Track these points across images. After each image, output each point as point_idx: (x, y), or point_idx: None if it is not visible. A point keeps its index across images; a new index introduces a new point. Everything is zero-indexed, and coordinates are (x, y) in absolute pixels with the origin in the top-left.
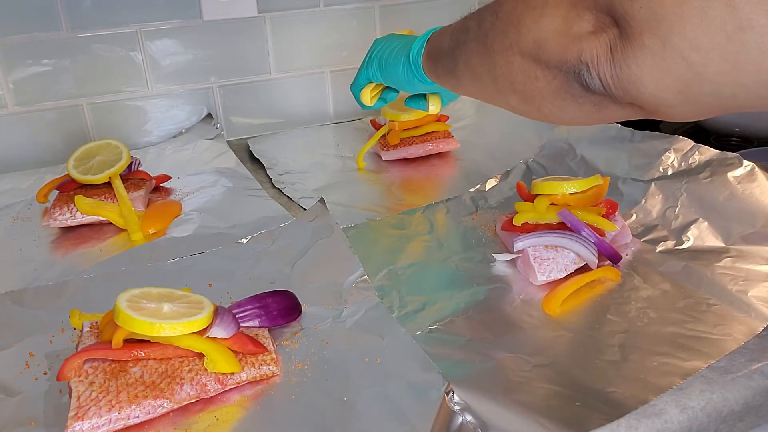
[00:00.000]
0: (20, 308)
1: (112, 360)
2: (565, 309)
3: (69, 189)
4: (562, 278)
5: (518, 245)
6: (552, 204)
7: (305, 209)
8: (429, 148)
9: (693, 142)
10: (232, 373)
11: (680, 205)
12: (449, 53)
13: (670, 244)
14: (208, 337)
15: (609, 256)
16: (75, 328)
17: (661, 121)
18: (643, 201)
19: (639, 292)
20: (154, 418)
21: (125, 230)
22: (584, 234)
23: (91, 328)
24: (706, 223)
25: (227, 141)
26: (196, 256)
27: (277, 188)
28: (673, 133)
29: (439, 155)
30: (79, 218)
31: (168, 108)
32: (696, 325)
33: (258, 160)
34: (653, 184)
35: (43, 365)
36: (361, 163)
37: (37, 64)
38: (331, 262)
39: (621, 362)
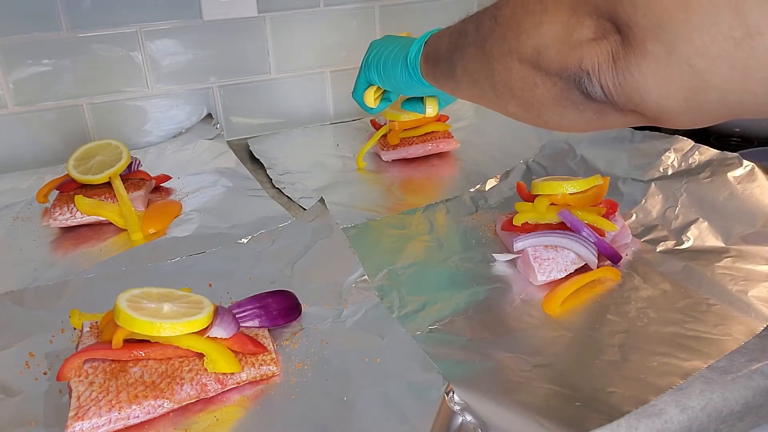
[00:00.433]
0: (20, 308)
1: (112, 360)
2: (565, 309)
3: (69, 189)
4: (562, 278)
5: (518, 245)
6: (552, 204)
7: (305, 209)
8: (429, 148)
9: (693, 142)
10: (232, 373)
11: (680, 205)
12: (447, 57)
13: (670, 244)
14: (208, 337)
15: (609, 256)
16: (75, 328)
17: None
18: (643, 201)
19: (639, 292)
20: (154, 418)
21: (125, 230)
22: (584, 234)
23: (91, 328)
24: (706, 223)
25: (227, 141)
26: (196, 256)
27: (277, 188)
28: (673, 134)
29: (439, 155)
30: (79, 218)
31: (168, 108)
32: (696, 325)
33: (258, 160)
34: (653, 184)
35: (43, 365)
36: (361, 163)
37: (37, 64)
38: (331, 262)
39: (621, 362)
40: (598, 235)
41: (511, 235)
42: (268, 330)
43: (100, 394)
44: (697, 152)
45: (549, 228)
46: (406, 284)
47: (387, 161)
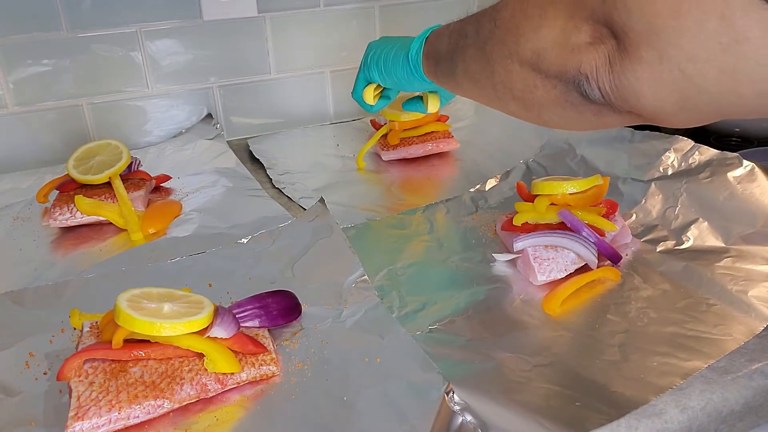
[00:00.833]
0: (20, 308)
1: (112, 360)
2: (565, 309)
3: (69, 189)
4: (562, 278)
5: (518, 245)
6: (552, 204)
7: (305, 209)
8: (429, 148)
9: (693, 142)
10: (232, 373)
11: (680, 205)
12: (448, 57)
13: (670, 244)
14: (208, 337)
15: (609, 256)
16: (75, 328)
17: None
18: (643, 201)
19: (639, 292)
20: (154, 418)
21: (125, 230)
22: (584, 234)
23: (91, 328)
24: (706, 223)
25: (227, 141)
26: (196, 256)
27: (277, 188)
28: (673, 134)
29: (439, 155)
30: (79, 218)
31: (168, 108)
32: (696, 325)
33: (258, 160)
34: (653, 184)
35: (43, 365)
36: (361, 163)
37: (37, 64)
38: (331, 262)
39: (621, 362)
40: (598, 235)
41: (511, 235)
42: (268, 330)
43: (100, 394)
44: (697, 152)
45: (549, 228)
46: (406, 284)
47: (387, 161)
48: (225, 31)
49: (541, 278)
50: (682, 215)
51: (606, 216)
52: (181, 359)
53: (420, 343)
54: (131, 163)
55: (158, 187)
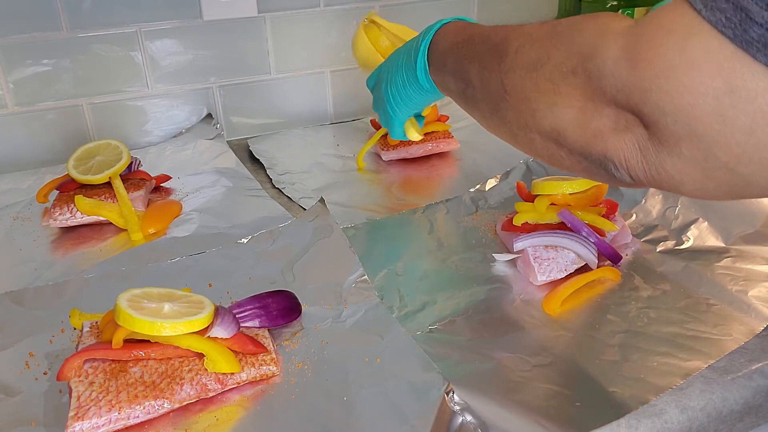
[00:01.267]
0: (20, 308)
1: (112, 360)
2: (565, 309)
3: (69, 189)
4: (562, 278)
5: (518, 245)
6: (552, 204)
7: (305, 209)
8: (429, 148)
9: None
10: (232, 373)
11: (680, 205)
12: (460, 97)
13: (670, 244)
14: (208, 337)
15: (609, 256)
16: (75, 328)
17: None
18: (643, 201)
19: (639, 292)
20: (154, 418)
21: (125, 230)
22: (584, 234)
23: (91, 328)
24: (706, 223)
25: (227, 141)
26: (196, 256)
27: (277, 188)
28: None
29: (439, 155)
30: (79, 218)
31: (168, 108)
32: (696, 325)
33: (258, 160)
34: None
35: (43, 365)
36: (361, 163)
37: (37, 64)
38: (331, 262)
39: (621, 362)
40: (598, 235)
41: (511, 235)
42: (268, 330)
43: (100, 394)
44: None
45: (549, 228)
46: (406, 284)
47: (387, 161)
48: (225, 31)
49: (541, 278)
50: (682, 215)
51: (606, 216)
52: (181, 359)
53: (420, 343)
54: (131, 163)
55: (158, 187)
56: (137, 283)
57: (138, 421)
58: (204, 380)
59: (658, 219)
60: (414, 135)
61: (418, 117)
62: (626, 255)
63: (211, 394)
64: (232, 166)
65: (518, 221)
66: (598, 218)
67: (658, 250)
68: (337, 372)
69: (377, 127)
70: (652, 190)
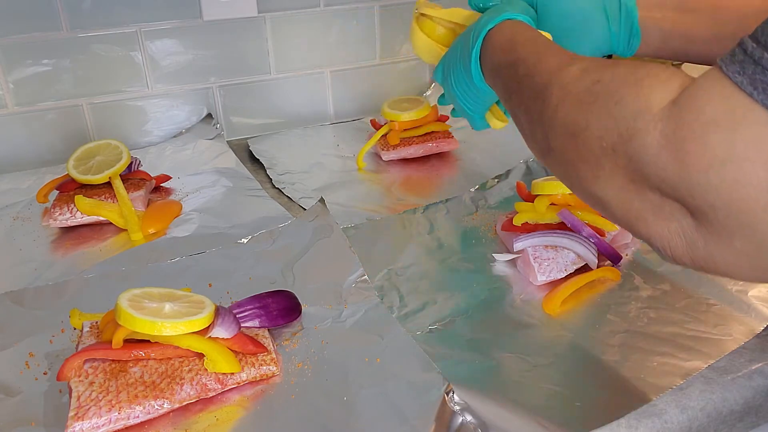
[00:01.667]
0: (20, 308)
1: (112, 360)
2: (565, 309)
3: (69, 189)
4: (562, 278)
5: (518, 245)
6: (552, 204)
7: (305, 209)
8: (429, 147)
9: None
10: (232, 373)
11: None
12: (513, 119)
13: None
14: (209, 337)
15: (609, 256)
16: (75, 328)
17: None
18: None
19: (639, 292)
20: (154, 418)
21: (125, 230)
22: (584, 234)
23: (91, 328)
24: None
25: (227, 141)
26: (196, 256)
27: (277, 188)
28: None
29: (439, 155)
30: (79, 218)
31: (168, 108)
32: (696, 325)
33: (258, 160)
34: None
35: (43, 365)
36: (361, 163)
37: (37, 64)
38: (331, 262)
39: (621, 362)
40: (598, 235)
41: (511, 235)
42: (268, 330)
43: (100, 394)
44: None
45: (549, 228)
46: (406, 284)
47: (387, 161)
48: (225, 31)
49: (541, 278)
50: None
51: None
52: (181, 359)
53: (420, 343)
54: (131, 163)
55: (158, 187)
56: (137, 283)
57: (138, 421)
58: (204, 380)
59: None
60: (497, 124)
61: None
62: (626, 255)
63: (211, 394)
64: (232, 166)
65: (518, 221)
66: (598, 218)
67: None
68: (337, 372)
69: (377, 127)
70: None
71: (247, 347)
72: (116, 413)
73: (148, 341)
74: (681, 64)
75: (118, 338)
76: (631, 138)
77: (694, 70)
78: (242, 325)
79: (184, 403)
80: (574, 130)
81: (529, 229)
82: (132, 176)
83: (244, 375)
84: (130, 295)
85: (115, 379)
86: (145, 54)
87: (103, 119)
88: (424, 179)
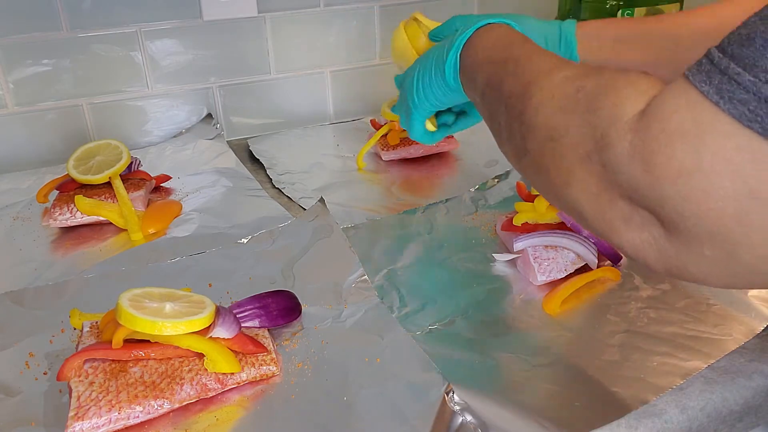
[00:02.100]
0: (20, 308)
1: (112, 360)
2: (565, 309)
3: (69, 189)
4: (562, 278)
5: (518, 245)
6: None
7: (305, 209)
8: (429, 147)
9: None
10: (232, 373)
11: None
12: (485, 119)
13: None
14: (209, 337)
15: (609, 256)
16: (75, 328)
17: None
18: None
19: (639, 292)
20: (154, 418)
21: (125, 230)
22: (584, 234)
23: (91, 328)
24: None
25: (227, 141)
26: (196, 256)
27: (277, 188)
28: None
29: (439, 155)
30: (79, 218)
31: (168, 108)
32: (696, 325)
33: (258, 160)
34: None
35: (43, 365)
36: (361, 163)
37: (37, 64)
38: (331, 262)
39: (621, 362)
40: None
41: (511, 235)
42: (268, 330)
43: (100, 394)
44: None
45: (549, 228)
46: (406, 284)
47: (387, 161)
48: (225, 31)
49: (541, 278)
50: None
51: None
52: (181, 359)
53: (420, 343)
54: (131, 163)
55: (158, 187)
56: (137, 283)
57: (138, 421)
58: (204, 380)
59: None
60: (430, 127)
61: (438, 115)
62: None
63: (211, 394)
64: (232, 166)
65: (518, 221)
66: None
67: None
68: (337, 372)
69: (377, 127)
70: None
71: (247, 347)
72: (116, 413)
73: (148, 341)
74: None
75: (118, 338)
76: (605, 147)
77: None
78: (242, 325)
79: (184, 403)
80: (553, 135)
81: (529, 229)
82: (132, 176)
83: (244, 375)
84: (130, 294)
85: (115, 379)
86: (145, 54)
87: (103, 119)
88: (424, 179)
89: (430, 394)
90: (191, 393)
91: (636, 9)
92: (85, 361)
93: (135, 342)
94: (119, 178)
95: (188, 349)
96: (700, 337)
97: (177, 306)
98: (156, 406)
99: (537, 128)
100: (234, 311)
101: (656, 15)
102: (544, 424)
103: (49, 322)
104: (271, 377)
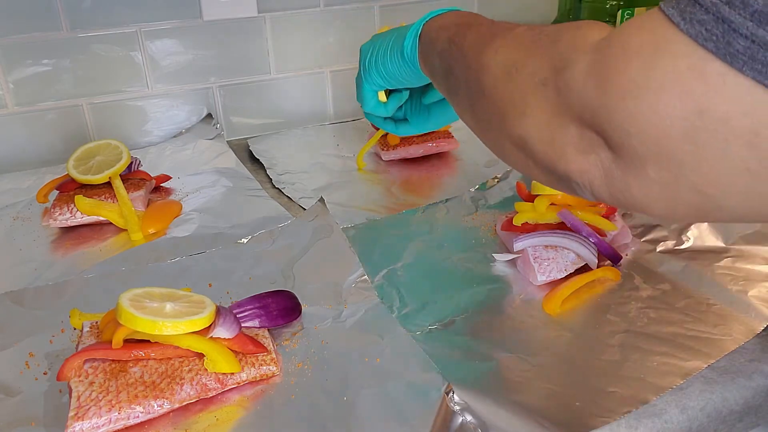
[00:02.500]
0: (20, 308)
1: (112, 360)
2: (565, 309)
3: (69, 189)
4: (562, 278)
5: (518, 245)
6: (552, 204)
7: (305, 209)
8: (429, 147)
9: None
10: (232, 373)
11: None
12: (443, 82)
13: (670, 244)
14: (210, 337)
15: (609, 256)
16: (75, 328)
17: None
18: None
19: (639, 292)
20: (154, 418)
21: (125, 230)
22: (584, 234)
23: (91, 328)
24: (706, 223)
25: (227, 141)
26: (196, 256)
27: (277, 188)
28: None
29: (439, 155)
30: (79, 218)
31: (168, 108)
32: (696, 325)
33: (258, 160)
34: None
35: (43, 365)
36: (361, 163)
37: (37, 64)
38: (331, 262)
39: (621, 362)
40: (598, 235)
41: (511, 235)
42: (268, 330)
43: (100, 394)
44: None
45: (549, 228)
46: (406, 284)
47: (387, 161)
48: (225, 31)
49: (541, 278)
50: None
51: (606, 216)
52: (181, 359)
53: (420, 343)
54: (131, 163)
55: (158, 187)
56: (137, 283)
57: (138, 421)
58: (204, 380)
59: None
60: (382, 97)
61: (390, 94)
62: (626, 255)
63: (211, 394)
64: (232, 166)
65: (518, 221)
66: (598, 218)
67: (658, 250)
68: (337, 372)
69: (377, 127)
70: None
71: (247, 347)
72: (116, 413)
73: (148, 341)
74: None
75: (118, 338)
76: (563, 69)
77: None
78: (242, 325)
79: (184, 403)
80: (509, 70)
81: (529, 229)
82: (132, 176)
83: (244, 375)
84: (131, 294)
85: (115, 379)
86: (145, 54)
87: (103, 119)
88: (424, 179)
89: (430, 394)
90: (191, 393)
91: (636, 9)
92: (85, 361)
93: (135, 342)
94: (119, 178)
95: (188, 349)
96: (700, 337)
97: (177, 306)
98: (156, 406)
99: (494, 66)
100: (234, 311)
101: None
102: (543, 424)
103: (49, 322)
104: (271, 377)
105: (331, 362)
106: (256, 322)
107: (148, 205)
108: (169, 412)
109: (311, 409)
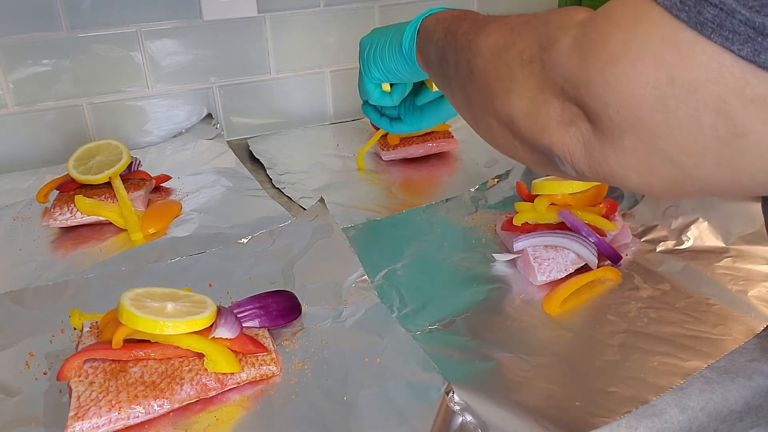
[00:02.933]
0: (20, 308)
1: (112, 360)
2: (565, 309)
3: (69, 189)
4: (562, 278)
5: (518, 245)
6: (552, 204)
7: (305, 209)
8: (429, 147)
9: None
10: (232, 373)
11: (680, 204)
12: (438, 71)
13: (670, 244)
14: (211, 337)
15: (609, 256)
16: (75, 328)
17: None
18: (643, 201)
19: (639, 292)
20: (154, 418)
21: (125, 230)
22: (584, 234)
23: (91, 328)
24: (706, 223)
25: (227, 141)
26: (196, 256)
27: (277, 188)
28: None
29: (439, 155)
30: (79, 218)
31: (168, 108)
32: (696, 325)
33: (258, 160)
34: None
35: (43, 365)
36: (361, 163)
37: (37, 64)
38: (331, 262)
39: (621, 362)
40: (598, 235)
41: (511, 235)
42: (268, 330)
43: (100, 394)
44: None
45: (549, 228)
46: (406, 284)
47: (387, 161)
48: (225, 31)
49: (541, 278)
50: (682, 215)
51: (606, 216)
52: (181, 359)
53: (420, 343)
54: (131, 163)
55: (158, 187)
56: (137, 283)
57: (138, 421)
58: (204, 380)
59: (658, 219)
60: (387, 87)
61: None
62: (626, 255)
63: (211, 394)
64: (232, 166)
65: (518, 221)
66: (598, 218)
67: (658, 250)
68: (337, 372)
69: (377, 127)
70: None
71: (247, 347)
72: (116, 413)
73: (148, 341)
74: None
75: (118, 338)
76: (549, 47)
77: None
78: (242, 325)
79: (184, 403)
80: (499, 50)
81: (529, 229)
82: (132, 176)
83: (244, 375)
84: (132, 294)
85: (115, 379)
86: (145, 54)
87: (103, 119)
88: (424, 179)
89: (430, 394)
90: (191, 393)
91: None
92: (85, 361)
93: (135, 342)
94: (119, 178)
95: (188, 349)
96: (700, 337)
97: (179, 306)
98: (156, 406)
99: (484, 48)
100: (234, 311)
101: None
102: (543, 424)
103: (49, 322)
104: (271, 377)
105: (331, 362)
106: (256, 322)
107: (148, 205)
108: (169, 412)
109: (311, 409)
